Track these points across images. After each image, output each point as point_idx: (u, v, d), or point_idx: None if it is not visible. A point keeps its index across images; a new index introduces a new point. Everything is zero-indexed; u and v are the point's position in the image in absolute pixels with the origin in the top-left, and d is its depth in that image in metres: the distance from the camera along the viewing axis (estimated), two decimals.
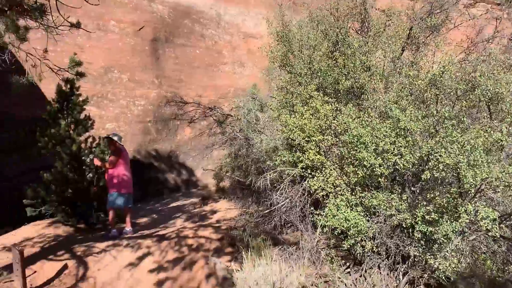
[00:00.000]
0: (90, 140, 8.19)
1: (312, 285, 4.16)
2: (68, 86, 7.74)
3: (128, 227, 6.71)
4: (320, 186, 4.23)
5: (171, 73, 12.77)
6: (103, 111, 10.84)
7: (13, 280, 4.77)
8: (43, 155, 7.50)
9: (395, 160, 3.89)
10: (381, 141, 3.93)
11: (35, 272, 5.32)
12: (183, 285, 4.69)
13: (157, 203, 10.84)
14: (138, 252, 5.67)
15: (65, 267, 5.47)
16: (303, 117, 4.39)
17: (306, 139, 4.42)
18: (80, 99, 7.84)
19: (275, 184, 5.66)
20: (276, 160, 4.87)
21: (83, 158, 7.66)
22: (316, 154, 4.28)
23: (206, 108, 7.74)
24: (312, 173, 4.40)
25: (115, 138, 6.80)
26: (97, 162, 6.76)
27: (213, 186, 10.91)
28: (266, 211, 5.53)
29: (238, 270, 4.35)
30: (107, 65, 11.32)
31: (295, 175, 4.76)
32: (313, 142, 4.35)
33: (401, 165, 3.86)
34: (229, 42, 14.98)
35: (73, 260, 5.64)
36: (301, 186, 4.80)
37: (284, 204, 5.18)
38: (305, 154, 4.41)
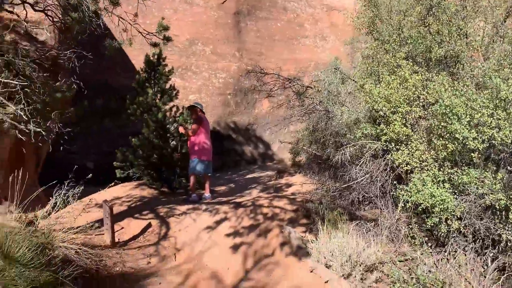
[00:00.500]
0: (174, 109, 8.58)
1: (390, 261, 3.99)
2: (156, 56, 8.12)
3: (207, 193, 6.98)
4: (405, 160, 3.97)
5: (251, 46, 12.82)
6: (187, 83, 11.25)
7: (103, 234, 5.22)
8: (132, 122, 8.03)
9: (492, 134, 3.52)
10: (477, 113, 3.57)
11: (122, 228, 5.77)
12: (257, 250, 4.78)
13: (234, 173, 11.15)
14: (215, 216, 5.87)
15: (149, 225, 5.85)
16: (390, 87, 4.12)
17: (392, 110, 4.16)
18: (166, 69, 8.20)
19: (354, 159, 5.48)
20: (357, 133, 4.67)
21: (167, 126, 8.06)
22: (402, 126, 4.02)
23: (286, 80, 7.64)
24: (396, 146, 4.15)
25: (198, 107, 7.04)
26: (181, 129, 7.05)
27: (289, 160, 10.91)
28: (344, 186, 5.38)
29: (313, 241, 4.30)
30: (191, 37, 11.67)
31: (377, 149, 4.54)
32: (399, 114, 4.08)
33: (499, 140, 3.48)
34: (311, 15, 14.60)
35: (156, 220, 6.02)
36: (383, 161, 4.57)
37: (363, 179, 4.99)
38: (389, 126, 4.17)
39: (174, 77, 10.61)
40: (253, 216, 5.71)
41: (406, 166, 4.00)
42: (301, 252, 4.30)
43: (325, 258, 3.95)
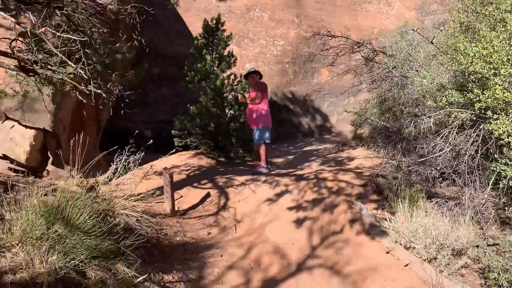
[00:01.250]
0: (232, 77, 8.27)
1: (478, 245, 3.48)
2: (214, 21, 7.79)
3: (264, 164, 6.67)
4: (507, 130, 3.39)
5: (311, 12, 12.14)
6: (244, 51, 10.89)
7: (163, 202, 5.09)
8: (189, 90, 7.83)
9: None
10: None
11: (181, 197, 5.63)
12: (323, 226, 4.44)
13: (290, 145, 10.79)
14: (276, 189, 5.58)
15: (207, 195, 5.68)
16: (491, 45, 3.50)
17: (492, 72, 3.55)
18: (225, 35, 7.87)
19: (432, 131, 4.90)
20: (441, 101, 4.10)
21: (225, 94, 7.79)
22: (504, 91, 3.41)
23: (354, 44, 7.03)
24: (495, 115, 3.55)
25: (258, 73, 6.67)
26: (241, 97, 6.73)
27: (349, 133, 10.33)
28: (421, 160, 4.84)
29: (391, 219, 3.87)
30: (249, 3, 11.20)
31: (465, 119, 3.96)
32: (501, 76, 3.46)
33: None
34: None
35: (215, 189, 5.83)
36: (474, 132, 3.98)
37: (444, 153, 4.43)
38: (486, 92, 3.57)
39: (231, 45, 10.27)
40: (317, 189, 5.35)
41: (508, 137, 3.41)
42: (374, 230, 3.90)
43: (404, 238, 3.53)
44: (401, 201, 4.28)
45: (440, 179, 5.31)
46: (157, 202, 5.25)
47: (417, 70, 5.34)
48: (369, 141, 8.84)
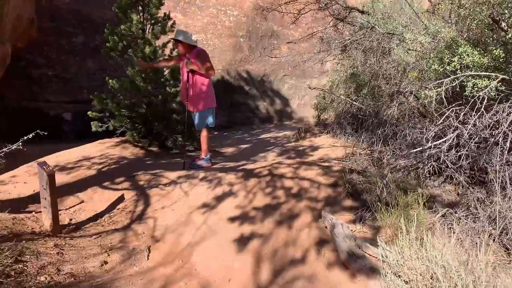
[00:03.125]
0: (170, 46, 6.63)
1: None
2: None
3: (205, 155, 5.11)
4: None
5: None
6: (190, 20, 9.21)
7: (40, 212, 3.45)
8: (114, 60, 6.13)
9: None
10: None
11: (81, 202, 4.01)
12: (278, 249, 2.99)
13: (245, 132, 9.30)
14: (216, 189, 4.08)
15: (120, 199, 4.09)
16: None
17: None
18: None
19: (432, 109, 3.55)
20: (453, 62, 2.74)
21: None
22: None
23: None
24: None
25: (181, 38, 4.92)
26: (193, 66, 4.91)
27: (312, 118, 8.96)
28: (415, 151, 3.47)
29: (384, 247, 2.45)
30: None
31: (490, 88, 2.61)
32: None
33: None
34: None
35: (132, 191, 4.25)
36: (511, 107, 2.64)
37: (451, 139, 3.09)
38: None
39: (175, 12, 8.58)
40: (271, 191, 3.89)
41: None
42: (356, 263, 2.47)
43: (413, 280, 2.12)
44: (391, 211, 2.89)
45: (433, 174, 3.98)
46: (38, 212, 3.60)
47: (405, 27, 3.98)
48: (335, 127, 7.50)
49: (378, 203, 3.17)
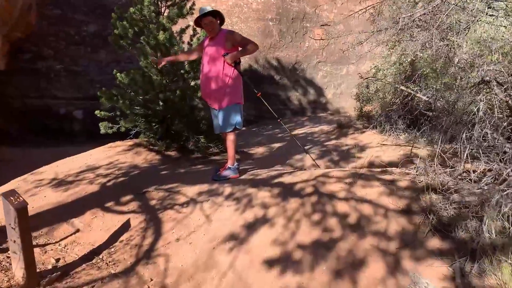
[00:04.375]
0: (189, 31, 5.69)
1: None
2: None
3: (232, 164, 4.16)
4: None
5: None
6: (213, 2, 8.22)
7: (9, 256, 2.60)
8: (123, 49, 5.24)
9: None
10: None
11: (76, 231, 3.16)
12: None
13: (276, 127, 8.30)
14: (246, 212, 3.16)
15: (125, 227, 3.21)
16: None
17: None
18: None
19: None
20: None
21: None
22: None
23: None
24: None
25: (209, 9, 3.96)
26: (235, 54, 3.90)
27: (354, 110, 7.86)
28: None
29: None
30: None
31: None
32: None
33: None
34: None
35: (141, 214, 3.36)
36: None
37: None
38: None
39: None
40: (320, 218, 2.91)
41: None
42: None
43: None
44: None
45: None
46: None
47: None
48: (383, 122, 6.41)
49: (487, 247, 2.14)
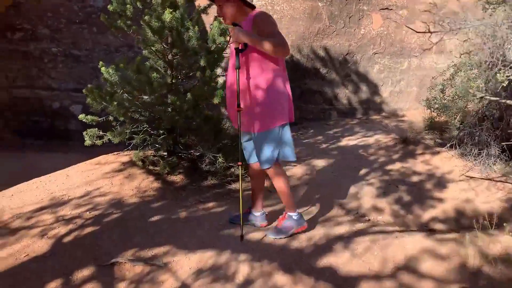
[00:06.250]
0: (213, 13, 4.21)
1: None
2: None
3: (293, 211, 2.76)
4: None
5: None
6: None
7: None
8: (120, 29, 3.88)
9: None
10: None
11: None
12: None
13: (319, 133, 6.72)
14: None
15: None
16: None
17: None
18: None
19: None
20: None
21: (190, 42, 3.76)
22: None
23: None
24: None
25: None
26: (245, 36, 2.47)
27: (424, 121, 6.13)
28: None
29: None
30: None
31: None
32: None
33: None
34: None
35: None
36: None
37: None
38: None
39: None
40: None
41: None
42: None
43: None
44: None
45: None
46: None
47: None
48: (466, 139, 4.78)
49: None
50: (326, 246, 2.50)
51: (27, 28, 5.38)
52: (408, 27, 6.36)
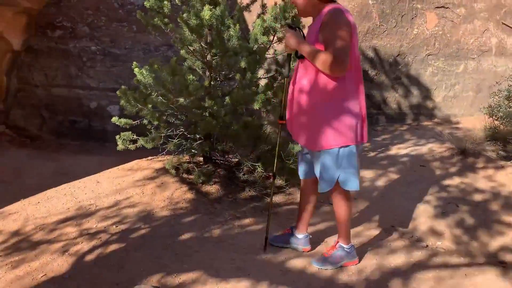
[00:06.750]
0: (257, 8, 3.89)
1: None
2: None
3: (346, 242, 2.44)
4: None
5: None
6: None
7: None
8: (156, 28, 3.67)
9: None
10: None
11: None
12: None
13: (367, 140, 6.28)
14: None
15: None
16: None
17: None
18: None
19: None
20: None
21: (232, 41, 3.46)
22: None
23: None
24: None
25: None
26: (305, 46, 2.17)
27: (485, 130, 5.55)
28: None
29: None
30: None
31: None
32: None
33: None
34: None
35: None
36: None
37: None
38: None
39: None
40: None
41: None
42: None
43: None
44: None
45: None
46: None
47: None
48: None
49: None
50: (381, 282, 2.12)
51: (67, 26, 5.30)
52: (504, 23, 5.78)
